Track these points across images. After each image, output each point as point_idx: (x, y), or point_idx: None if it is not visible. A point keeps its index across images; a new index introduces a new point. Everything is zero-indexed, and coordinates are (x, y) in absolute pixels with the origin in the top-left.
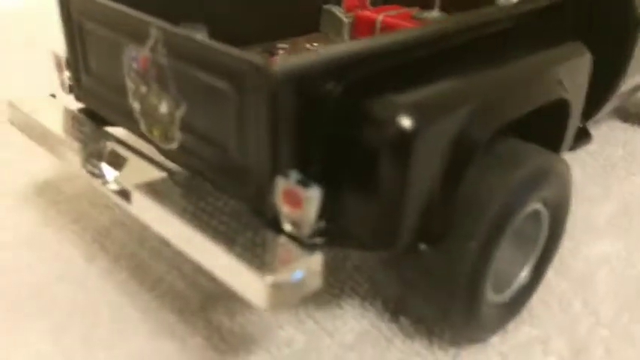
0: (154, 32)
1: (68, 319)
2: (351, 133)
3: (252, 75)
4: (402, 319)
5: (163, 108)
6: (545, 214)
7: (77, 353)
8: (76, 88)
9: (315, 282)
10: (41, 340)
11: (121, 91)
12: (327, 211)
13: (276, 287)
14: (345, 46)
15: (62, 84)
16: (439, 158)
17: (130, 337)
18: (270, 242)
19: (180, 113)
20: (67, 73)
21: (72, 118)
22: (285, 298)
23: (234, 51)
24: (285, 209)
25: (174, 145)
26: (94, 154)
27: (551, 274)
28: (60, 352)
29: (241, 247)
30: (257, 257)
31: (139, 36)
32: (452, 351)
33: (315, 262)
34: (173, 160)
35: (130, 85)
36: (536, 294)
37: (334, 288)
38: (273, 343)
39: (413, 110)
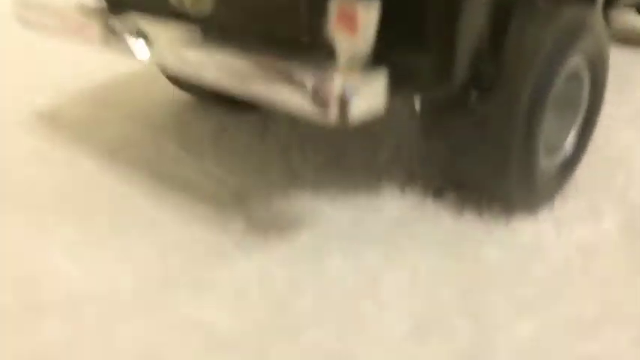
0: None
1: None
2: None
3: None
4: (448, 197)
5: None
6: (585, 74)
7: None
8: None
9: (379, 102)
10: (73, 232)
11: None
12: (384, 45)
13: (343, 100)
14: None
15: None
16: (485, 5)
17: (167, 225)
18: (330, 69)
19: None
20: None
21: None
22: (353, 111)
23: None
24: (340, 36)
25: (206, 8)
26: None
27: (590, 155)
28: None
29: (304, 72)
30: (322, 78)
31: None
32: (503, 219)
33: (377, 81)
34: (209, 23)
35: None
36: (579, 170)
37: (371, 178)
38: (318, 222)
39: None
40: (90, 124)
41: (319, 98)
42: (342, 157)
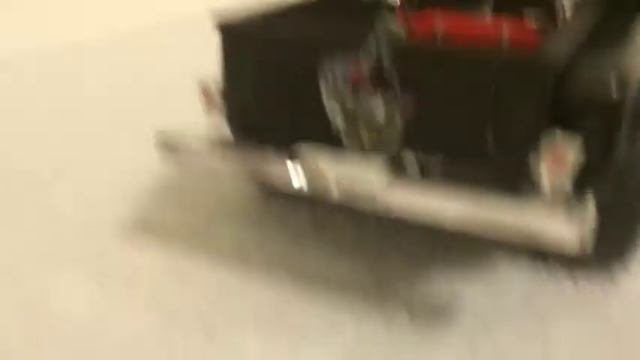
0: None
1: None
2: None
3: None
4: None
5: (378, 113)
6: None
7: None
8: (235, 117)
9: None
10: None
11: (313, 111)
12: None
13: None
14: None
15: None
16: None
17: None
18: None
19: (404, 114)
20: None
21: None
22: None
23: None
24: (548, 171)
25: (391, 146)
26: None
27: None
28: None
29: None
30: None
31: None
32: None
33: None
34: (388, 160)
35: (329, 103)
36: None
37: None
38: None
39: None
40: (192, 229)
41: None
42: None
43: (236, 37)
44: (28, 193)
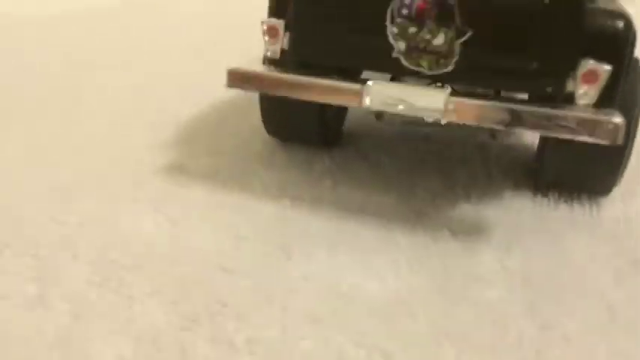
0: None
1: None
2: None
3: None
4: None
5: (439, 40)
6: None
7: None
8: (300, 47)
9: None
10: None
11: (376, 36)
12: None
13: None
14: None
15: (273, 51)
16: None
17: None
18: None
19: (461, 40)
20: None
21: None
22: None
23: None
24: (582, 87)
25: (448, 69)
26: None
27: None
28: None
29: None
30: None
31: None
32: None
33: None
34: (444, 81)
35: (392, 29)
36: None
37: None
38: None
39: None
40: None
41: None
42: None
43: None
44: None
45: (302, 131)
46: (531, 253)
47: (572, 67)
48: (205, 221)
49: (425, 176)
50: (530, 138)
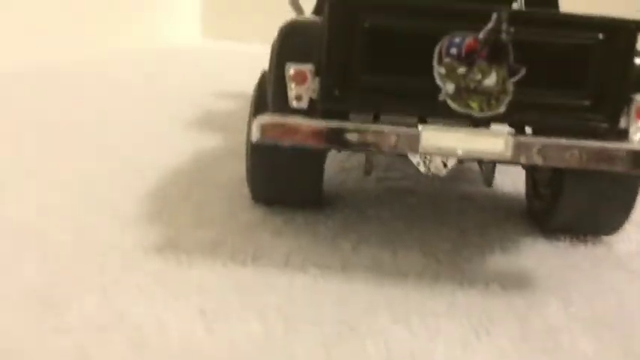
0: (497, 15)
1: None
2: None
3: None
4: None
5: (491, 80)
6: None
7: None
8: (335, 94)
9: None
10: None
11: (422, 78)
12: None
13: None
14: None
15: (299, 97)
16: None
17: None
18: None
19: (515, 79)
20: (313, 84)
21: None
22: None
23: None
24: (636, 122)
25: (500, 109)
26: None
27: None
28: None
29: None
30: None
31: (472, 23)
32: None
33: None
34: (496, 122)
35: (440, 70)
36: None
37: None
38: None
39: None
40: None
41: None
42: None
43: (350, 2)
44: None
45: (298, 193)
46: (587, 296)
47: (626, 102)
48: (234, 306)
49: (434, 228)
50: (517, 185)
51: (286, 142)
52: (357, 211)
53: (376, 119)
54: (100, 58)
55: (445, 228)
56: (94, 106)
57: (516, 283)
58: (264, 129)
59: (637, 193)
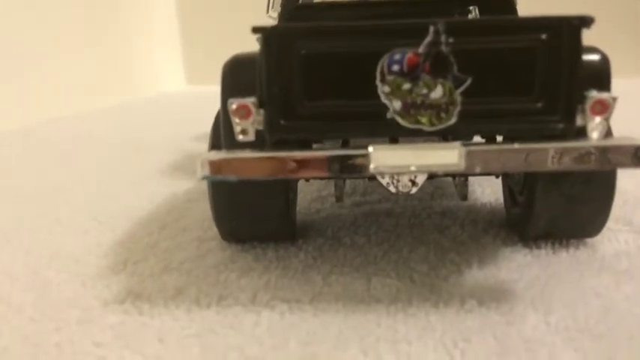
0: (434, 28)
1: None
2: None
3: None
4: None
5: (437, 93)
6: None
7: None
8: (280, 123)
9: None
10: None
11: (367, 98)
12: None
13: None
14: None
15: (244, 132)
16: None
17: None
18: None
19: (462, 89)
20: (257, 116)
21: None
22: None
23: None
24: (592, 119)
25: (451, 121)
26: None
27: None
28: None
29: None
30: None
31: (409, 38)
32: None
33: None
34: (448, 134)
35: (384, 89)
36: None
37: None
38: None
39: None
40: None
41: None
42: None
43: (284, 31)
44: None
45: (267, 228)
46: (568, 305)
47: (580, 100)
48: (194, 353)
49: (412, 250)
50: (498, 195)
51: (231, 177)
52: (331, 240)
53: (345, 144)
54: (83, 113)
55: (423, 248)
56: (70, 165)
57: (494, 298)
58: (213, 166)
59: (613, 190)
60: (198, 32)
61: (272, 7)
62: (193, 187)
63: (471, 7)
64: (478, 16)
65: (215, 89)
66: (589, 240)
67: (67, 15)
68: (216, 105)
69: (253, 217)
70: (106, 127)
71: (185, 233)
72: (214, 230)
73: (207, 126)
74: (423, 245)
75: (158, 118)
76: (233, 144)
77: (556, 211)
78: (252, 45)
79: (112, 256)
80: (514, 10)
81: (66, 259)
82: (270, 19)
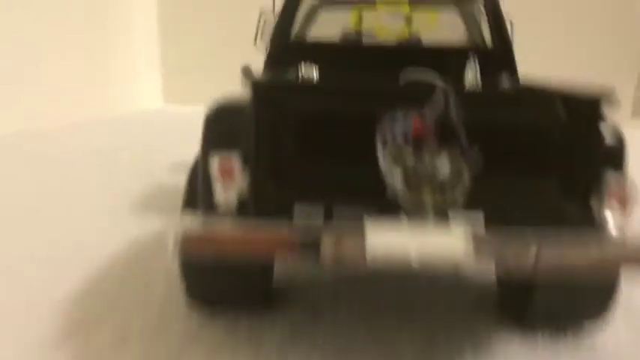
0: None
1: None
2: None
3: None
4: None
5: (443, 166)
6: None
7: None
8: (270, 186)
9: None
10: None
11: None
12: None
13: None
14: None
15: (227, 200)
16: None
17: None
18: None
19: (470, 169)
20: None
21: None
22: None
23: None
24: (613, 207)
25: (458, 202)
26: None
27: None
28: None
29: None
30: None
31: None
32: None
33: None
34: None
35: (386, 155)
36: None
37: None
38: None
39: None
40: None
41: None
42: None
43: (274, 92)
44: None
45: (240, 294)
46: None
47: (598, 184)
48: None
49: (398, 330)
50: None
51: (212, 254)
52: (310, 312)
53: (328, 215)
54: (50, 129)
55: (410, 328)
56: (26, 188)
57: None
58: (189, 243)
59: (619, 275)
60: (178, 50)
61: (260, 38)
62: (160, 228)
63: (470, 57)
64: (477, 72)
65: (192, 110)
66: (589, 327)
67: (42, 28)
68: (193, 129)
69: (226, 280)
70: (74, 144)
71: (149, 292)
72: (180, 287)
73: (182, 153)
74: (412, 323)
75: (131, 139)
76: (211, 207)
77: (558, 298)
78: (233, 64)
79: (62, 320)
80: (515, 69)
81: (7, 328)
82: (257, 50)
